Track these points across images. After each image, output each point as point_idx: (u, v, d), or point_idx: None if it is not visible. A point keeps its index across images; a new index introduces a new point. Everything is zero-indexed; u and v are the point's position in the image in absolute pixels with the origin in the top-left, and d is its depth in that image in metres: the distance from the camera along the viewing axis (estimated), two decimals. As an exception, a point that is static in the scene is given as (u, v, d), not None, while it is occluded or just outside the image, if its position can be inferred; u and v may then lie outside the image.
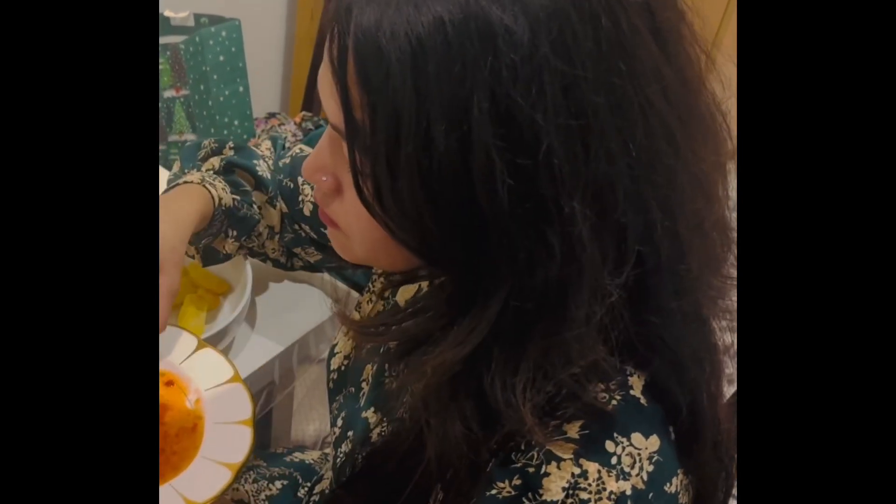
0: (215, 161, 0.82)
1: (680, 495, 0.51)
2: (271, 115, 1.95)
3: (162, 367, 0.75)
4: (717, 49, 0.49)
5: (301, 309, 0.96)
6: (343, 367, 0.75)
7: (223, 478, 0.65)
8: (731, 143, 0.49)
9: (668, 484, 0.50)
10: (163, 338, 0.74)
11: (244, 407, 0.72)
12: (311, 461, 0.97)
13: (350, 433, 0.70)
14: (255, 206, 0.82)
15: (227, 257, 0.86)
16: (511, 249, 0.43)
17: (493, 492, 0.49)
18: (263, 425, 1.16)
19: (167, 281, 0.67)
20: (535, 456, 0.48)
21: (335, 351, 0.77)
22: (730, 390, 0.64)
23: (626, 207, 0.44)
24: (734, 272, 0.51)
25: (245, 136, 1.68)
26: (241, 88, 1.62)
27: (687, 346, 0.50)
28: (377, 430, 0.65)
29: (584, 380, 0.48)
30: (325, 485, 0.84)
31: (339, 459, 0.70)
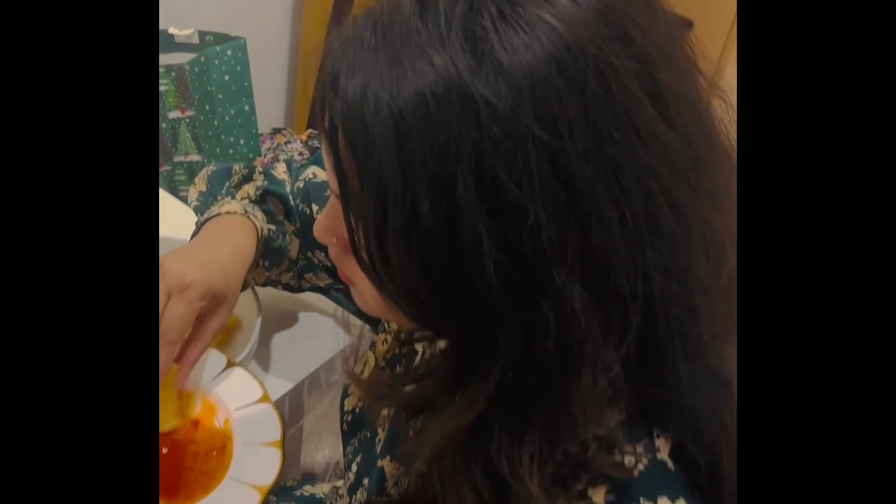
0: (250, 189, 0.79)
1: None
2: (277, 131, 1.93)
3: (190, 386, 0.73)
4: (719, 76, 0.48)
5: (311, 342, 0.94)
6: (357, 410, 0.73)
7: (252, 500, 0.64)
8: None
9: None
10: None
11: (274, 428, 0.71)
12: (322, 495, 0.95)
13: (365, 481, 0.68)
14: (287, 237, 0.81)
15: (245, 288, 0.84)
16: (505, 322, 0.42)
17: None
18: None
19: (223, 318, 0.69)
20: None
21: (348, 392, 0.75)
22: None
23: (624, 277, 0.42)
24: None
25: (251, 156, 1.67)
26: (246, 107, 1.60)
27: (704, 408, 0.49)
28: (393, 481, 0.64)
29: (596, 448, 0.47)
30: None
31: None
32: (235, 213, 0.75)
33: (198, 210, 0.82)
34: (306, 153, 1.68)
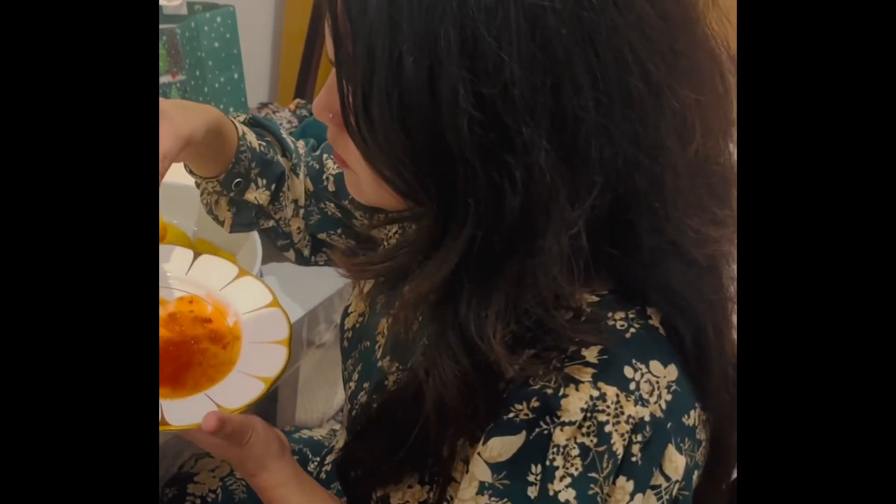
0: (239, 117, 0.81)
1: (698, 430, 0.52)
2: (263, 105, 1.96)
3: (200, 293, 0.77)
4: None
5: (310, 281, 0.97)
6: (357, 325, 0.77)
7: (257, 389, 0.67)
8: (732, 80, 0.50)
9: (685, 416, 0.51)
10: (202, 266, 0.78)
11: (281, 328, 0.74)
12: (320, 437, 0.97)
13: (366, 384, 0.71)
14: (279, 157, 0.81)
15: (254, 223, 0.83)
16: (475, 181, 0.45)
17: (511, 415, 0.50)
18: (270, 400, 1.17)
19: (171, 126, 0.67)
20: (554, 379, 0.49)
21: (349, 311, 0.79)
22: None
23: (592, 139, 0.45)
24: (722, 215, 0.52)
25: (240, 123, 1.68)
26: (235, 76, 1.62)
27: (680, 284, 0.51)
28: (392, 377, 0.67)
29: (574, 316, 0.49)
30: (336, 455, 0.85)
31: (354, 412, 0.72)
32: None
33: None
34: (294, 121, 1.70)
